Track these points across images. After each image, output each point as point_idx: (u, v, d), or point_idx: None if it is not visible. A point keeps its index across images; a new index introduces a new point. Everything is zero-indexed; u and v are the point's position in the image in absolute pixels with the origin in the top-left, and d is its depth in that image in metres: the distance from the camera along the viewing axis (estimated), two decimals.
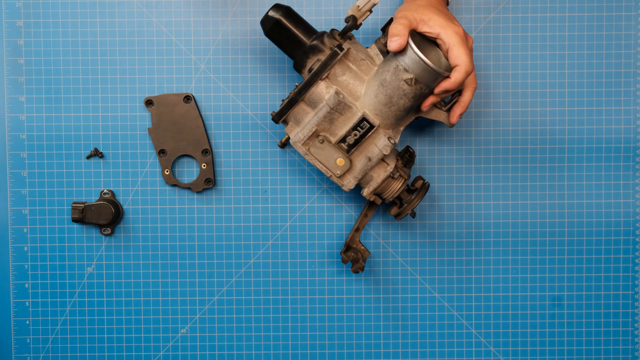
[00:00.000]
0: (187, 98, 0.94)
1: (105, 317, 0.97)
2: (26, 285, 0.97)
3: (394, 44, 0.79)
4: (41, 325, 0.97)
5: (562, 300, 0.97)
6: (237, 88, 0.95)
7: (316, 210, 0.96)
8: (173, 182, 0.95)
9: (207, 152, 0.95)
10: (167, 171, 0.95)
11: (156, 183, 0.96)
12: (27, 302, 0.97)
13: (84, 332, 0.97)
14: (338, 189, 0.96)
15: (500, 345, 0.97)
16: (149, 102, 0.94)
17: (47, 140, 0.95)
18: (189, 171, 0.96)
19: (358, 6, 0.80)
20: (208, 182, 0.95)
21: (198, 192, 0.96)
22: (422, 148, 0.96)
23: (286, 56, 0.95)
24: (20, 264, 0.96)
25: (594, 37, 0.95)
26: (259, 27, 0.95)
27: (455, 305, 0.97)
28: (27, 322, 0.97)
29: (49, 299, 0.97)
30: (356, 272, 0.89)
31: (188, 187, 0.96)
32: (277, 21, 0.82)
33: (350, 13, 0.81)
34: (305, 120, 0.84)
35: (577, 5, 0.95)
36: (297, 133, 0.84)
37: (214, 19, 0.95)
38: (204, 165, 0.95)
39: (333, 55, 0.80)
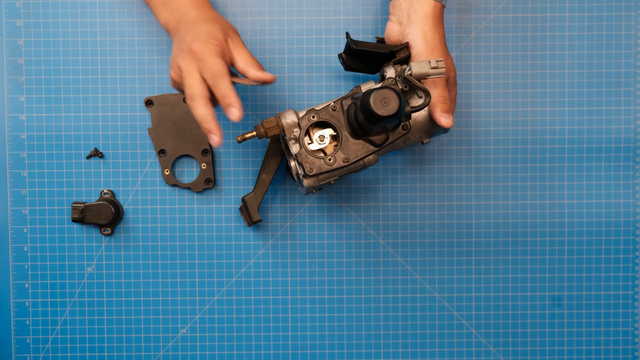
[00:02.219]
0: None
1: (105, 317, 0.97)
2: (26, 285, 0.97)
3: (449, 121, 0.79)
4: (41, 325, 0.97)
5: (562, 300, 0.97)
6: (237, 88, 0.95)
7: (316, 210, 0.96)
8: (173, 182, 0.95)
9: (207, 152, 0.95)
10: (167, 171, 0.95)
11: (156, 183, 0.96)
12: (27, 302, 0.97)
13: (84, 332, 0.97)
14: (338, 189, 0.96)
15: (500, 345, 0.97)
16: (149, 102, 0.94)
17: (47, 140, 0.95)
18: (189, 171, 0.96)
19: (429, 75, 0.77)
20: (208, 182, 0.95)
21: (198, 192, 0.96)
22: (421, 148, 0.96)
23: (286, 56, 0.95)
24: (20, 264, 0.96)
25: (594, 37, 0.95)
26: (259, 27, 0.95)
27: (455, 305, 0.97)
28: (27, 322, 0.97)
29: (49, 299, 0.97)
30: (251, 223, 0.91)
31: (188, 187, 0.96)
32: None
33: (416, 72, 0.77)
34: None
35: (577, 5, 0.94)
36: (316, 182, 0.81)
37: None
38: (204, 165, 0.95)
39: (400, 137, 0.80)
